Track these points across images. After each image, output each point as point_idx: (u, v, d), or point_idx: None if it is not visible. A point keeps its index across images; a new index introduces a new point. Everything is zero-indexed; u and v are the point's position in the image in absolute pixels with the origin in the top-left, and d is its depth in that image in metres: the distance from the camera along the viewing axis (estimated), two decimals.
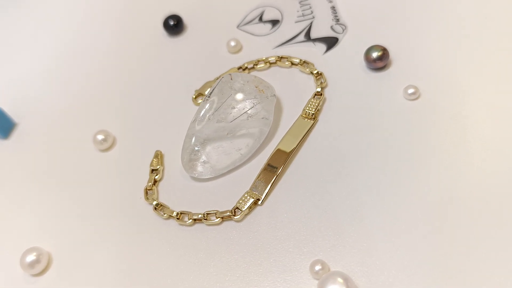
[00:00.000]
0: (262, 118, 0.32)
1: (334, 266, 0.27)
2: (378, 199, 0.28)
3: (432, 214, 0.27)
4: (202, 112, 0.32)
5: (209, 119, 0.32)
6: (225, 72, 0.37)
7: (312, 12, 0.39)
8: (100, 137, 0.35)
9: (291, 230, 0.29)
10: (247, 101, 0.32)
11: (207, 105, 0.32)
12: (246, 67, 0.37)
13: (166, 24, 0.40)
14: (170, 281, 0.28)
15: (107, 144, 0.35)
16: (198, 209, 0.31)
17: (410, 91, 0.32)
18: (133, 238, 0.30)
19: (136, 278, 0.29)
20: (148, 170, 0.33)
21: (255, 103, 0.32)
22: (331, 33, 0.37)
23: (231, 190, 0.31)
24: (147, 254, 0.29)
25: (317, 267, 0.27)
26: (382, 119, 0.32)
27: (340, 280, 0.25)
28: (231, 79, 0.33)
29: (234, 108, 0.32)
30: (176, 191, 0.32)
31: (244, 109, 0.32)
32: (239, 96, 0.32)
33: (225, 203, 0.31)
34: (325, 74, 0.35)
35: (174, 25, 0.40)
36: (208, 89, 0.35)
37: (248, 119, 0.32)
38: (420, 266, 0.26)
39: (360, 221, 0.28)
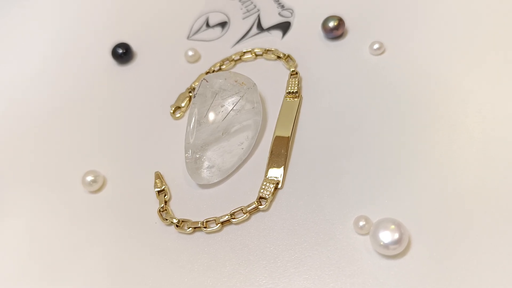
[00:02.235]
0: (252, 108, 0.32)
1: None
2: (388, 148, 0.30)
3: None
4: (192, 122, 0.31)
5: (199, 124, 0.31)
6: (195, 80, 0.36)
7: (255, 7, 0.41)
8: (89, 178, 0.33)
9: (319, 201, 0.29)
10: (232, 97, 0.32)
11: (194, 114, 0.32)
12: (213, 70, 0.37)
13: (115, 53, 0.39)
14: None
15: (97, 185, 0.33)
16: (219, 213, 0.30)
17: (376, 46, 0.34)
18: (169, 266, 0.29)
19: None
20: (152, 194, 0.32)
21: (240, 97, 0.32)
22: (281, 19, 0.39)
23: (244, 187, 0.31)
24: (200, 274, 0.28)
25: (361, 223, 0.27)
26: (357, 78, 0.34)
27: (392, 226, 0.26)
28: (207, 82, 0.33)
29: (223, 106, 0.32)
30: (189, 203, 0.31)
31: (231, 105, 0.32)
32: (222, 94, 0.32)
33: (243, 200, 0.30)
34: (292, 55, 0.36)
35: (123, 53, 0.39)
36: (192, 99, 0.34)
37: (237, 114, 0.32)
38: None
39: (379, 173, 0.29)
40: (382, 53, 0.35)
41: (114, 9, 0.44)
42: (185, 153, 0.31)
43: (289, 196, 0.30)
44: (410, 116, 0.31)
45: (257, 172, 0.31)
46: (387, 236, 0.26)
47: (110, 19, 0.43)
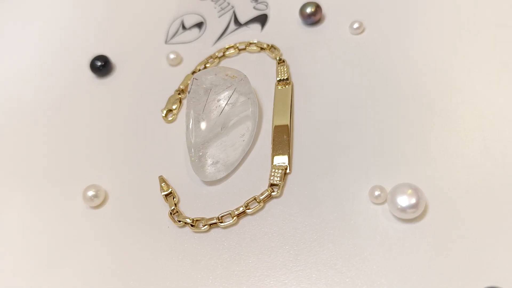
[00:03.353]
0: (248, 99, 0.32)
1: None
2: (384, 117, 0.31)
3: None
4: (190, 122, 0.31)
5: (198, 122, 0.31)
6: (183, 81, 0.36)
7: (229, 4, 0.41)
8: (90, 193, 0.31)
9: (330, 179, 0.29)
10: (225, 91, 0.32)
11: (191, 114, 0.31)
12: (199, 69, 0.37)
13: (94, 66, 0.38)
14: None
15: (99, 199, 0.32)
16: (231, 207, 0.29)
17: (355, 25, 0.35)
18: (191, 268, 0.28)
19: None
20: (159, 199, 0.31)
21: (233, 90, 0.32)
22: (257, 12, 0.39)
23: (251, 179, 0.31)
24: (225, 270, 0.27)
25: (377, 192, 0.27)
26: (342, 58, 0.34)
27: (409, 190, 0.26)
28: (197, 79, 0.33)
29: (218, 101, 0.31)
30: (199, 202, 0.30)
31: (225, 100, 0.32)
32: (215, 89, 0.32)
33: (252, 191, 0.30)
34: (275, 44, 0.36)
35: (101, 65, 0.38)
36: (186, 100, 0.33)
37: (233, 107, 0.31)
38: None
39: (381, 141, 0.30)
40: (362, 32, 0.35)
41: (88, 23, 0.43)
42: (189, 153, 0.31)
43: (299, 179, 0.30)
44: (401, 86, 0.32)
45: (262, 162, 0.31)
46: (404, 200, 0.26)
47: (84, 33, 0.42)
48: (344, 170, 0.29)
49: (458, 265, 0.25)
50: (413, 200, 0.26)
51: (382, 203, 0.28)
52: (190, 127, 0.31)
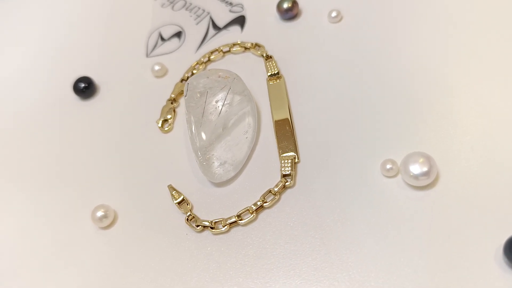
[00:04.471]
0: (245, 95, 0.32)
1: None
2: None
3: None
4: (192, 127, 0.31)
5: (200, 126, 0.31)
6: (173, 90, 0.36)
7: (204, 11, 0.41)
8: (99, 213, 0.30)
9: (340, 161, 0.30)
10: (220, 93, 0.32)
11: (191, 120, 0.31)
12: (188, 76, 0.37)
13: (77, 88, 0.37)
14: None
15: (108, 220, 0.31)
16: (246, 204, 0.29)
17: (333, 14, 0.36)
18: (219, 270, 0.28)
19: None
20: (171, 209, 0.30)
21: (228, 90, 0.32)
22: (234, 15, 0.40)
23: (260, 175, 0.31)
24: (253, 267, 0.27)
25: (388, 166, 0.28)
26: (325, 46, 0.35)
27: (421, 159, 0.27)
28: (192, 84, 0.33)
29: (216, 102, 0.31)
30: (213, 205, 0.30)
31: (221, 101, 0.32)
32: (210, 92, 0.32)
33: (264, 186, 0.30)
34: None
35: (85, 87, 0.37)
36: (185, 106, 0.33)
37: (230, 107, 0.32)
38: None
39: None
40: (341, 20, 0.37)
41: (65, 47, 0.42)
42: (196, 157, 0.30)
43: (309, 166, 0.30)
44: (381, 64, 0.33)
45: (269, 156, 0.31)
46: (416, 168, 0.27)
47: (62, 57, 0.41)
48: (351, 150, 0.30)
49: (477, 224, 0.26)
50: (425, 168, 0.27)
51: (395, 176, 0.28)
52: (193, 131, 0.31)
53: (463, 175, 0.27)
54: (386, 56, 0.33)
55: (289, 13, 0.37)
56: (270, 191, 0.29)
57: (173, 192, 0.31)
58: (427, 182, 0.27)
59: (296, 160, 0.30)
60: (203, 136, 0.31)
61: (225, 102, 0.32)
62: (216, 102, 0.31)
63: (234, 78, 0.33)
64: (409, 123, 0.30)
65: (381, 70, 0.33)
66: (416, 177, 0.27)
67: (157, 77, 0.38)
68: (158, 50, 0.40)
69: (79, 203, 0.32)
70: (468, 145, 0.28)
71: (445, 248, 0.25)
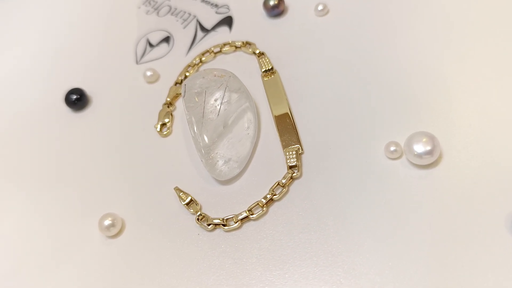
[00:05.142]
0: (242, 92, 0.32)
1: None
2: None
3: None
4: (194, 127, 0.31)
5: (202, 126, 0.31)
6: (168, 94, 0.36)
7: (190, 14, 0.41)
8: (107, 222, 0.30)
9: (344, 148, 0.30)
10: (217, 92, 0.32)
11: (192, 121, 0.31)
12: (181, 80, 0.36)
13: (69, 100, 0.37)
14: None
15: (116, 229, 0.30)
16: (256, 199, 0.29)
17: (320, 7, 0.37)
18: (236, 266, 0.28)
19: None
20: (180, 212, 0.30)
21: (224, 88, 0.32)
22: (221, 16, 0.40)
23: (266, 170, 0.31)
24: (269, 260, 0.27)
25: (392, 148, 0.29)
26: (314, 40, 0.36)
27: (424, 138, 0.28)
28: (186, 85, 0.33)
29: (215, 101, 0.32)
30: (222, 203, 0.30)
31: (219, 100, 0.32)
32: (208, 91, 0.32)
33: (270, 180, 0.30)
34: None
35: (77, 99, 0.37)
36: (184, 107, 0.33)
37: (228, 105, 0.32)
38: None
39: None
40: (327, 13, 0.37)
41: (53, 59, 0.42)
42: (201, 157, 0.30)
43: (314, 156, 0.30)
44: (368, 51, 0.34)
45: (272, 150, 0.31)
46: (420, 147, 0.28)
47: (53, 69, 0.41)
48: (354, 137, 0.30)
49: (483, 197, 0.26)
50: (429, 147, 0.28)
51: (399, 157, 0.29)
52: (195, 131, 0.31)
53: (465, 152, 0.28)
54: (377, 44, 0.34)
55: (276, 10, 0.38)
56: (278, 184, 0.29)
57: (180, 194, 0.30)
58: (431, 160, 0.28)
59: (300, 151, 0.30)
60: (205, 135, 0.31)
61: (223, 101, 0.32)
62: (215, 100, 0.31)
63: (230, 76, 0.33)
64: (408, 106, 0.30)
65: (372, 57, 0.33)
66: (420, 155, 0.28)
67: (150, 82, 0.37)
68: (147, 57, 0.39)
69: (85, 213, 0.32)
70: (467, 121, 0.29)
71: (455, 220, 0.26)
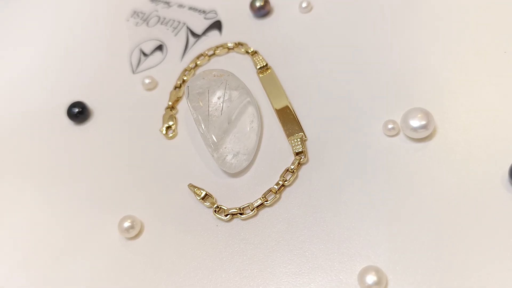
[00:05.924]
0: (242, 89, 0.34)
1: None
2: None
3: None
4: (202, 126, 0.32)
5: (208, 123, 0.32)
6: (170, 98, 0.37)
7: (180, 22, 0.43)
8: (126, 224, 0.31)
9: (345, 130, 0.32)
10: (218, 91, 0.34)
11: (199, 119, 0.32)
12: (180, 84, 0.38)
13: (71, 114, 0.38)
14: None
15: (135, 231, 0.31)
16: (267, 187, 0.31)
17: (304, 4, 0.39)
18: (255, 252, 0.29)
19: None
20: (196, 207, 0.31)
21: (224, 87, 0.34)
22: (210, 21, 0.42)
23: (274, 159, 0.32)
24: (284, 247, 0.29)
25: (390, 126, 0.31)
26: (302, 35, 0.38)
27: (419, 114, 0.30)
28: (189, 87, 0.34)
29: (218, 99, 0.33)
30: (235, 194, 0.32)
31: (221, 98, 0.33)
32: (209, 91, 0.34)
33: (278, 169, 0.32)
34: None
35: (79, 112, 0.38)
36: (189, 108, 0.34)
37: (230, 103, 0.33)
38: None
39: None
40: (311, 9, 0.39)
41: (45, 76, 0.42)
42: (211, 152, 0.32)
43: (317, 142, 0.32)
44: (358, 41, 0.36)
45: (276, 142, 0.33)
46: (415, 122, 0.30)
47: (49, 85, 0.42)
48: (352, 119, 0.32)
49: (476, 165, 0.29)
50: (424, 121, 0.30)
51: (397, 134, 0.31)
52: (203, 128, 0.32)
53: (458, 123, 0.30)
54: (361, 32, 0.36)
55: (262, 11, 0.40)
56: (287, 170, 0.31)
57: (195, 189, 0.32)
58: (426, 134, 0.30)
59: (305, 138, 0.32)
60: (213, 133, 0.32)
61: (225, 99, 0.33)
62: (218, 99, 0.33)
63: (228, 75, 0.35)
64: (402, 88, 0.33)
65: (362, 44, 0.35)
66: (415, 129, 0.30)
67: (149, 90, 0.39)
68: (143, 65, 0.41)
69: (106, 218, 0.32)
70: (458, 96, 0.31)
71: (453, 185, 0.28)
